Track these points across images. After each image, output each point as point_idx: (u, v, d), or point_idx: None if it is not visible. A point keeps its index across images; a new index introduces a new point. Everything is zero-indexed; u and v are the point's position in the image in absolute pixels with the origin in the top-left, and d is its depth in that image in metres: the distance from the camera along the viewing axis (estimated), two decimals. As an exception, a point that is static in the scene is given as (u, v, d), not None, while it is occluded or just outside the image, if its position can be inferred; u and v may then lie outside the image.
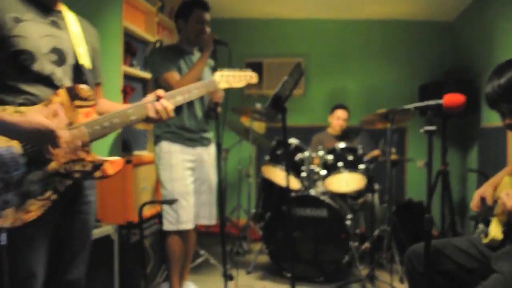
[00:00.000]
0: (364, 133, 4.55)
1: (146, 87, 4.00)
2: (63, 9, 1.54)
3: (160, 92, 1.59)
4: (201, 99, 2.80)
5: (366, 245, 3.77)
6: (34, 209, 1.34)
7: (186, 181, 2.72)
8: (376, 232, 3.73)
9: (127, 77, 3.59)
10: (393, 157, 3.83)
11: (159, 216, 3.14)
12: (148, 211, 3.00)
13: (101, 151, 2.98)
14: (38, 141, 1.31)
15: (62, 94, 1.42)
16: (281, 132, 2.29)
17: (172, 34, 4.53)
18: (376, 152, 4.23)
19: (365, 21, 5.25)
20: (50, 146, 1.33)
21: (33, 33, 1.37)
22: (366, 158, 3.96)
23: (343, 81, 5.32)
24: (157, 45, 3.92)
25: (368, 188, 3.86)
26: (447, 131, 2.65)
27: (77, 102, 1.45)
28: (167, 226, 2.71)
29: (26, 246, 1.38)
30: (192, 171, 2.79)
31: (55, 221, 1.47)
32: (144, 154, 3.80)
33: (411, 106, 2.32)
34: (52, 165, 1.38)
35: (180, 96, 1.66)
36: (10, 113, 1.30)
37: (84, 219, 1.60)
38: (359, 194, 4.04)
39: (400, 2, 4.66)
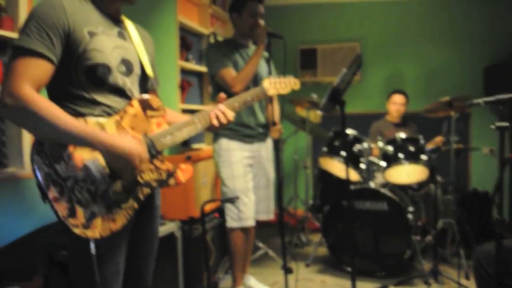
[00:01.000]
0: (413, 125, 4.35)
1: (202, 80, 4.04)
2: (124, 19, 1.58)
3: (223, 95, 1.67)
4: None
5: (429, 238, 3.66)
6: (119, 218, 1.40)
7: (246, 178, 2.74)
8: (439, 225, 3.61)
9: (184, 72, 3.65)
10: (457, 145, 3.67)
11: (219, 210, 3.19)
12: (208, 206, 3.06)
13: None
14: (124, 164, 1.36)
15: (136, 105, 1.47)
16: (337, 120, 2.25)
17: (226, 25, 4.53)
18: (438, 139, 4.06)
19: (422, 0, 4.99)
20: (132, 169, 1.40)
21: (106, 46, 1.41)
22: (428, 147, 3.82)
23: (401, 65, 5.11)
24: (211, 37, 3.93)
25: (430, 179, 3.73)
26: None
27: (149, 113, 1.50)
28: (230, 223, 2.76)
29: (112, 254, 1.44)
30: (251, 167, 2.81)
31: (131, 227, 1.53)
32: (202, 147, 3.87)
33: (480, 101, 2.18)
34: (132, 175, 1.44)
35: (237, 103, 1.72)
36: (91, 125, 1.36)
37: (153, 223, 1.65)
38: (420, 185, 3.91)
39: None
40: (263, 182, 2.91)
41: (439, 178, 3.83)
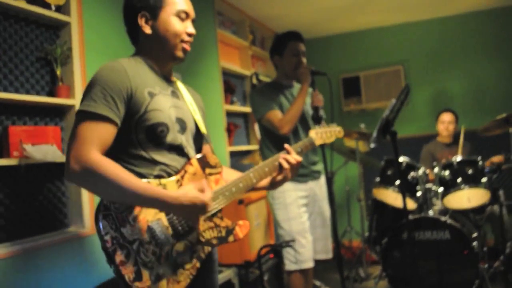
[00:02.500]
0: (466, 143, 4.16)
1: (248, 120, 4.09)
2: (175, 79, 1.63)
3: (287, 146, 1.69)
4: (307, 134, 2.78)
5: (497, 263, 3.43)
6: (183, 279, 1.40)
7: (302, 219, 2.70)
8: (508, 249, 3.38)
9: (229, 114, 3.70)
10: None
11: (274, 251, 3.16)
12: (264, 248, 3.03)
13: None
14: (190, 214, 1.37)
15: (195, 163, 1.49)
16: (386, 148, 2.20)
17: (266, 63, 4.59)
18: (497, 158, 3.86)
19: (463, 15, 4.85)
20: (199, 217, 1.41)
21: (164, 105, 1.44)
22: (487, 166, 3.63)
23: (447, 84, 4.96)
24: (254, 78, 3.99)
25: (493, 199, 3.53)
26: None
27: (208, 170, 1.52)
28: (289, 266, 2.71)
29: None
30: (306, 207, 2.77)
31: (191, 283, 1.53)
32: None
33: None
34: (194, 235, 1.45)
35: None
36: (154, 187, 1.36)
37: (213, 278, 1.65)
38: (483, 207, 3.70)
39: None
40: (319, 221, 2.85)
41: (502, 198, 3.62)
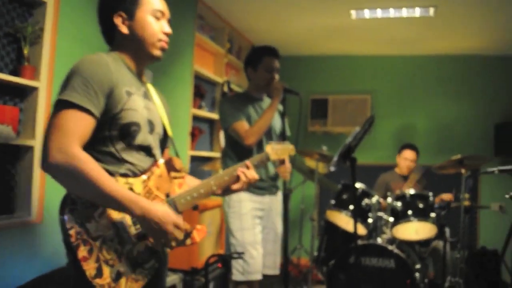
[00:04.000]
0: (418, 167, 4.28)
1: (214, 127, 4.06)
2: (145, 79, 1.61)
3: (248, 162, 1.71)
4: None
5: (436, 297, 3.54)
6: (142, 278, 1.41)
7: (255, 230, 2.69)
8: (447, 284, 3.49)
9: (196, 119, 3.67)
10: (466, 203, 3.60)
11: (222, 260, 3.13)
12: (213, 256, 3.00)
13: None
14: (156, 234, 1.35)
15: (161, 166, 1.50)
16: (345, 172, 2.25)
17: (240, 73, 4.60)
18: (447, 196, 4.00)
19: (435, 56, 5.05)
20: (162, 237, 1.37)
21: (138, 105, 1.44)
22: (437, 202, 3.76)
23: (412, 119, 5.12)
24: (225, 86, 3.98)
25: (439, 235, 3.65)
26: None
27: (173, 174, 1.53)
28: (237, 276, 2.68)
29: None
30: (261, 219, 2.77)
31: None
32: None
33: (495, 169, 2.16)
34: None
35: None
36: (121, 184, 1.37)
37: (164, 280, 1.64)
38: (428, 241, 3.82)
39: (473, 37, 4.44)
40: (271, 236, 2.85)
41: (447, 235, 3.74)
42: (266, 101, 2.86)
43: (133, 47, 1.48)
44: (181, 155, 3.40)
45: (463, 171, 3.48)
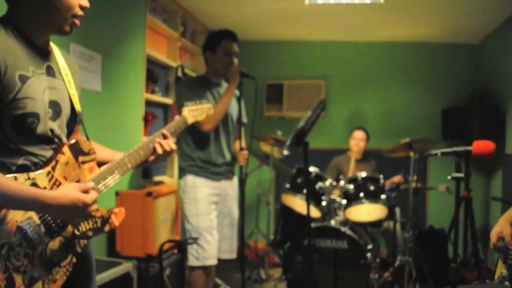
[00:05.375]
0: (372, 161, 4.43)
1: (168, 112, 3.99)
2: (52, 46, 1.41)
3: (166, 131, 1.63)
4: (227, 135, 2.78)
5: (387, 274, 3.68)
6: (60, 277, 1.32)
7: (211, 216, 2.69)
8: (397, 262, 3.64)
9: (149, 104, 3.59)
10: (415, 185, 3.75)
11: (178, 247, 3.11)
12: (167, 243, 2.97)
13: (122, 179, 3.00)
14: (71, 216, 1.25)
15: (67, 152, 1.34)
16: (300, 157, 2.28)
17: (194, 57, 4.53)
18: (397, 179, 4.14)
19: (386, 43, 5.17)
20: (81, 220, 1.32)
21: (37, 91, 1.25)
22: (387, 185, 3.88)
23: (364, 104, 5.24)
24: (179, 70, 3.91)
25: (389, 216, 3.79)
26: (471, 157, 2.55)
27: (81, 158, 1.39)
28: (192, 261, 2.67)
29: None
30: (216, 205, 2.76)
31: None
32: (164, 179, 3.79)
33: (438, 151, 2.24)
34: (68, 229, 1.35)
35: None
36: (22, 182, 1.22)
37: (90, 273, 1.53)
38: (379, 222, 3.95)
39: (422, 25, 4.58)
40: (227, 220, 2.86)
41: (398, 216, 3.89)
42: (224, 86, 2.83)
43: (40, 16, 1.27)
44: (134, 141, 3.32)
45: (411, 154, 3.61)
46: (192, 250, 2.68)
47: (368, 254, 3.35)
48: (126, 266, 2.53)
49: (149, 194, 2.78)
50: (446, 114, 4.91)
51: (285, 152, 2.54)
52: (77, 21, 1.33)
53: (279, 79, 5.23)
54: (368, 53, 5.23)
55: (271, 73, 5.25)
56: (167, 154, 1.59)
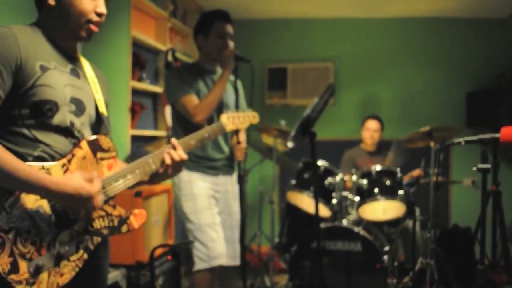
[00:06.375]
0: (395, 144, 4.43)
1: (157, 102, 4.00)
2: (80, 56, 1.63)
3: (174, 141, 1.70)
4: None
5: (406, 279, 3.70)
6: (68, 271, 1.41)
7: (212, 211, 2.71)
8: (417, 266, 3.65)
9: (136, 93, 3.60)
10: (436, 178, 3.75)
11: (172, 252, 3.13)
12: (160, 248, 2.99)
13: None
14: (75, 204, 1.38)
15: (85, 146, 1.49)
16: (307, 149, 2.29)
17: (186, 40, 4.53)
18: (417, 172, 4.14)
19: (401, 19, 5.15)
20: (84, 210, 1.42)
21: (58, 82, 1.44)
22: (406, 180, 3.89)
23: (377, 88, 5.23)
24: (170, 54, 3.91)
25: (408, 214, 3.80)
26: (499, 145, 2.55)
27: (100, 154, 1.53)
28: (199, 265, 2.67)
29: None
30: (216, 201, 2.78)
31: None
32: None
33: (461, 140, 2.26)
34: (81, 224, 1.46)
35: (193, 141, 1.79)
36: (36, 170, 1.36)
37: (102, 270, 1.64)
38: (397, 220, 3.97)
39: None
40: (229, 222, 2.87)
41: (417, 214, 3.90)
42: (219, 73, 2.85)
43: (58, 22, 1.49)
44: (120, 135, 3.34)
45: (432, 144, 3.61)
46: (197, 251, 2.68)
47: (385, 257, 3.37)
48: (114, 275, 2.56)
49: (138, 194, 2.79)
50: (471, 99, 4.91)
51: (290, 144, 2.55)
52: (93, 27, 1.51)
53: (282, 62, 5.22)
54: (382, 31, 5.21)
55: (273, 56, 5.24)
56: (176, 165, 1.67)
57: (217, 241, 2.68)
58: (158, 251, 2.88)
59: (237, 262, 2.91)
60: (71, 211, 1.42)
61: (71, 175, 1.38)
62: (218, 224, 2.72)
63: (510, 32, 4.99)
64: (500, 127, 2.23)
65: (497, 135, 2.06)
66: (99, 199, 1.41)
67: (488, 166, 2.07)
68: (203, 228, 2.66)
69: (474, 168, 2.17)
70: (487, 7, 4.77)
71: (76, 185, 1.34)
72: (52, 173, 1.39)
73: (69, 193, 1.33)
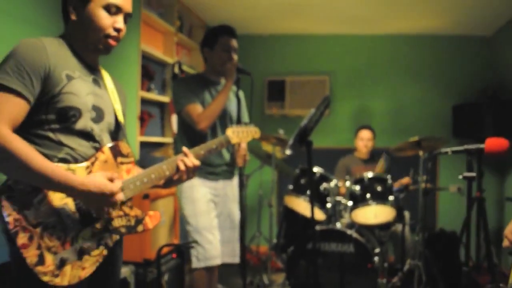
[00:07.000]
0: (385, 156, 4.45)
1: (164, 111, 4.01)
2: (101, 68, 1.67)
3: (186, 149, 1.74)
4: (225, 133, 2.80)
5: (395, 279, 3.70)
6: (89, 265, 1.44)
7: (210, 215, 2.72)
8: (406, 267, 3.65)
9: (144, 102, 3.61)
10: (425, 185, 3.76)
11: (177, 251, 3.13)
12: (166, 247, 2.99)
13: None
14: (97, 202, 1.41)
15: (106, 151, 1.54)
16: (304, 156, 2.31)
17: (191, 53, 4.55)
18: (405, 180, 4.16)
19: (393, 36, 5.18)
20: (106, 207, 1.46)
21: (81, 90, 1.47)
22: (396, 186, 3.90)
23: (370, 100, 5.25)
24: (176, 67, 3.93)
25: (398, 219, 3.80)
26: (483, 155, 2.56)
27: (120, 159, 1.57)
28: (195, 263, 2.69)
29: None
30: (216, 204, 2.79)
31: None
32: (161, 181, 3.81)
33: (448, 150, 2.26)
34: (102, 222, 1.50)
35: (202, 151, 1.83)
36: (63, 170, 1.39)
37: (117, 266, 1.67)
38: (387, 224, 3.97)
39: (431, 16, 4.58)
40: (228, 223, 2.87)
41: (406, 218, 3.90)
42: (223, 84, 2.85)
43: (79, 35, 1.52)
44: (130, 141, 3.34)
45: (420, 153, 3.62)
46: (194, 251, 2.69)
47: (376, 258, 3.37)
48: (123, 272, 2.55)
49: (146, 196, 2.80)
50: (457, 111, 4.92)
51: (288, 152, 2.56)
52: (111, 41, 1.53)
53: (281, 75, 5.24)
54: (374, 47, 5.24)
55: (273, 69, 5.27)
56: (190, 172, 1.70)
57: (213, 243, 2.69)
58: (164, 250, 2.87)
59: (236, 260, 2.92)
60: (94, 208, 1.44)
61: (94, 174, 1.42)
62: (215, 228, 2.73)
63: (494, 49, 5.02)
64: (484, 138, 2.24)
65: (482, 145, 2.07)
66: (120, 197, 1.44)
67: (473, 174, 2.07)
68: (200, 230, 2.67)
69: (460, 176, 2.18)
70: (471, 26, 4.80)
71: (99, 184, 1.38)
72: (77, 174, 1.42)
73: (92, 192, 1.37)
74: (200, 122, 2.59)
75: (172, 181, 1.70)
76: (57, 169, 1.34)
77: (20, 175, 1.32)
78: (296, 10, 4.42)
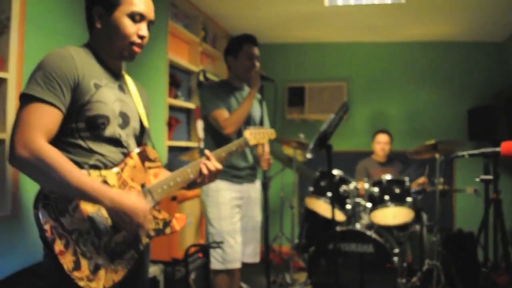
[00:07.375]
0: (397, 164, 4.38)
1: (190, 117, 4.04)
2: (124, 74, 1.65)
3: (208, 152, 1.72)
4: None
5: (414, 279, 3.64)
6: (121, 269, 1.44)
7: (233, 219, 2.71)
8: (425, 267, 3.59)
9: (172, 109, 3.65)
10: (442, 187, 3.70)
11: (203, 250, 3.14)
12: (192, 247, 3.00)
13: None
14: (128, 220, 1.36)
15: (135, 156, 1.52)
16: (324, 159, 2.30)
17: (215, 62, 4.58)
18: (421, 180, 4.09)
19: (408, 43, 5.13)
20: (136, 226, 1.40)
21: (108, 98, 1.45)
22: (413, 188, 3.84)
23: (386, 105, 5.20)
24: (201, 75, 3.95)
25: (416, 220, 3.75)
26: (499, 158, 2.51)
27: (147, 164, 1.55)
28: (215, 265, 2.70)
29: None
30: (239, 208, 2.78)
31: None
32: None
33: (465, 153, 2.22)
34: None
35: (224, 153, 1.82)
36: (94, 178, 1.38)
37: (145, 268, 1.67)
38: (406, 225, 3.91)
39: (444, 24, 4.52)
40: (251, 224, 2.87)
41: (424, 219, 3.84)
42: (246, 90, 2.86)
43: (105, 43, 1.49)
44: (158, 146, 3.38)
45: (437, 156, 3.57)
46: (215, 253, 2.70)
47: (395, 258, 3.32)
48: (152, 270, 2.57)
49: (174, 198, 2.82)
50: (471, 115, 4.84)
51: (309, 156, 2.56)
52: (136, 48, 1.50)
53: (300, 81, 5.23)
54: (390, 54, 5.20)
55: (292, 76, 5.26)
56: (212, 174, 1.68)
57: (234, 248, 2.68)
58: (191, 250, 2.89)
59: (257, 259, 2.92)
60: (122, 225, 1.39)
61: (130, 194, 1.41)
62: (237, 232, 2.72)
63: (506, 54, 4.93)
64: (498, 141, 2.20)
65: (498, 149, 2.02)
66: (148, 220, 1.42)
67: (490, 177, 2.03)
68: (223, 234, 2.66)
69: (478, 179, 2.14)
70: (485, 32, 4.72)
71: (132, 204, 1.35)
72: (108, 180, 1.41)
73: (124, 210, 1.34)
74: (227, 127, 2.60)
75: (196, 183, 1.69)
76: (92, 183, 1.32)
77: (55, 187, 1.30)
78: (313, 19, 4.41)
